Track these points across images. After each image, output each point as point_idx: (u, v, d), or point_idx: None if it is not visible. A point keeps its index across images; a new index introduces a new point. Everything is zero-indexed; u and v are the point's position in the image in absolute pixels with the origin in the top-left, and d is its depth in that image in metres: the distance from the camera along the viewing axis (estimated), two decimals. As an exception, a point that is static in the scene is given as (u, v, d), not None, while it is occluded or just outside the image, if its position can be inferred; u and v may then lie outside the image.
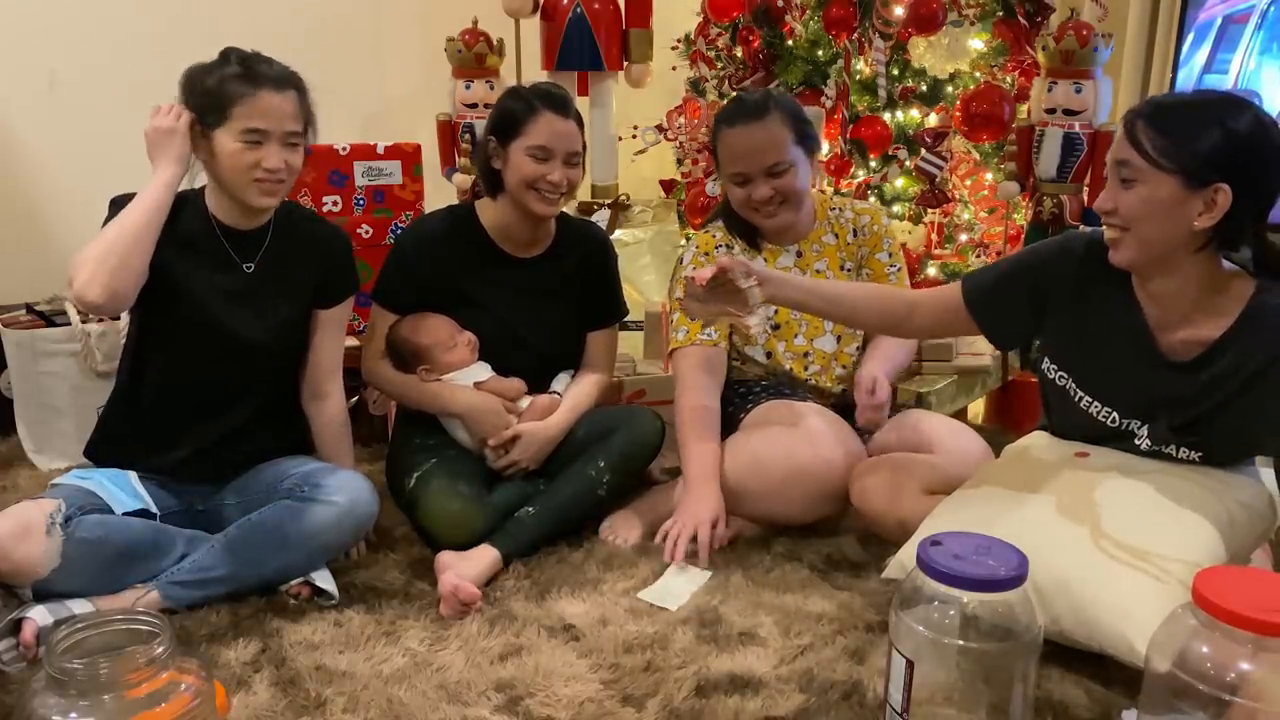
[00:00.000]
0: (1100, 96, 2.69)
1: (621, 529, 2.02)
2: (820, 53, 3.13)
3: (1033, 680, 1.27)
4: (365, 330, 2.14)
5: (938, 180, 2.99)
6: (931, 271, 3.12)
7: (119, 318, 2.34)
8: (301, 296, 1.91)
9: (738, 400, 2.14)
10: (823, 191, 2.91)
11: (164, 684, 1.15)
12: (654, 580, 1.83)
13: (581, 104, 2.25)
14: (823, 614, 1.72)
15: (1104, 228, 1.54)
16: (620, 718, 1.44)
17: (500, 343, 2.08)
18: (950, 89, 3.09)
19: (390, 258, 2.11)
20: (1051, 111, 2.71)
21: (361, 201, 2.65)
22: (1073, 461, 1.66)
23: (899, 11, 2.93)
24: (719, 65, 3.37)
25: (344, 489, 1.77)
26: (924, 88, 3.10)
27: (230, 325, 1.80)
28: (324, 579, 1.76)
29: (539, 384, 2.13)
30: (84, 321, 2.44)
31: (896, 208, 3.10)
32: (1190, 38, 3.03)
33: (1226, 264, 1.53)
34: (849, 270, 2.21)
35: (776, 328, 2.17)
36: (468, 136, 2.98)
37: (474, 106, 2.98)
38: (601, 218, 3.02)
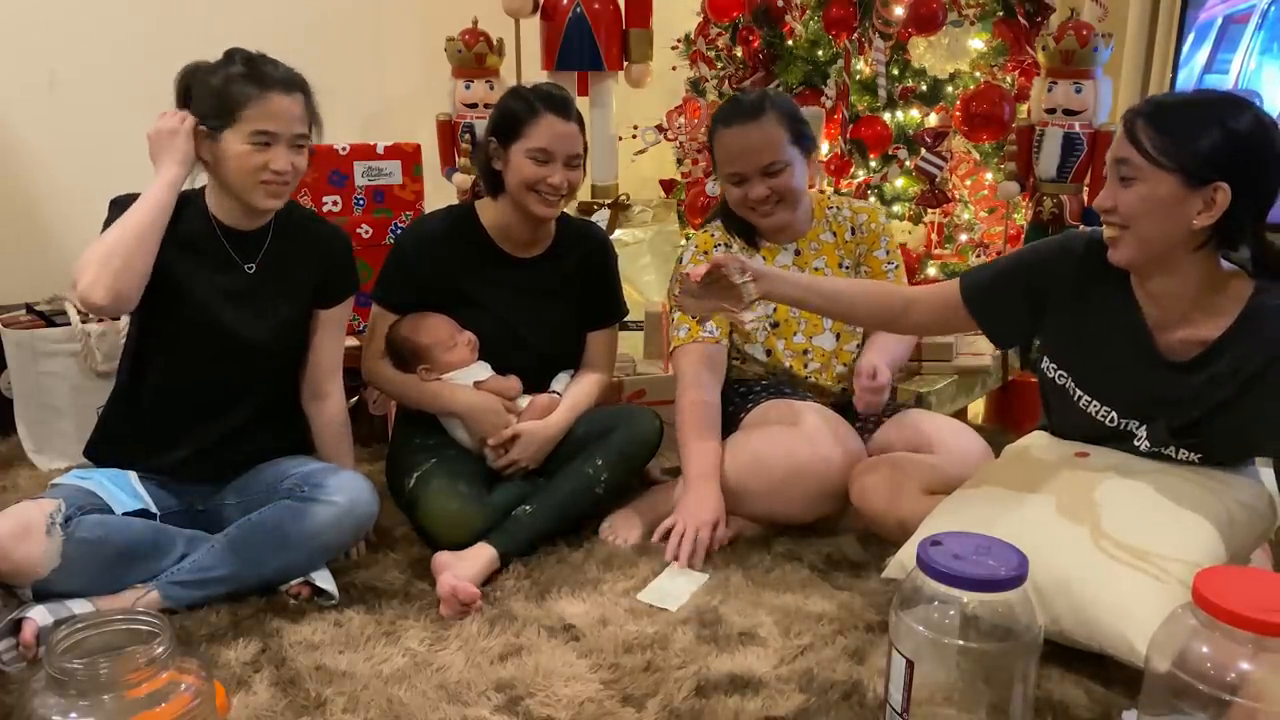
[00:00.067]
0: (1100, 96, 2.69)
1: (621, 529, 2.02)
2: (820, 53, 3.13)
3: (1033, 680, 1.27)
4: (365, 330, 2.14)
5: (938, 180, 2.99)
6: (931, 271, 3.12)
7: (119, 318, 2.34)
8: (302, 296, 1.91)
9: (738, 399, 2.14)
10: (822, 191, 2.92)
11: (164, 684, 1.15)
12: (653, 580, 1.83)
13: (581, 104, 2.25)
14: (823, 614, 1.72)
15: (1103, 226, 1.54)
16: (620, 718, 1.44)
17: (500, 342, 2.08)
18: (950, 89, 3.09)
19: (390, 258, 2.11)
20: (1051, 111, 2.72)
21: (361, 201, 2.65)
22: (1073, 461, 1.66)
23: (899, 11, 2.93)
24: (719, 65, 3.37)
25: (344, 489, 1.77)
26: (924, 88, 3.10)
27: (231, 326, 1.80)
28: (324, 579, 1.76)
29: (539, 384, 2.13)
30: (84, 321, 2.44)
31: (896, 208, 3.10)
32: (1191, 38, 3.03)
33: (1225, 264, 1.53)
34: (847, 268, 2.22)
35: (776, 325, 2.17)
36: (468, 136, 2.98)
37: (474, 106, 2.98)
38: (601, 218, 3.02)
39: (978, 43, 3.13)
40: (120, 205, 1.75)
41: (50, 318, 2.51)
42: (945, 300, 1.75)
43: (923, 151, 2.98)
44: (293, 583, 1.76)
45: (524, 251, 2.12)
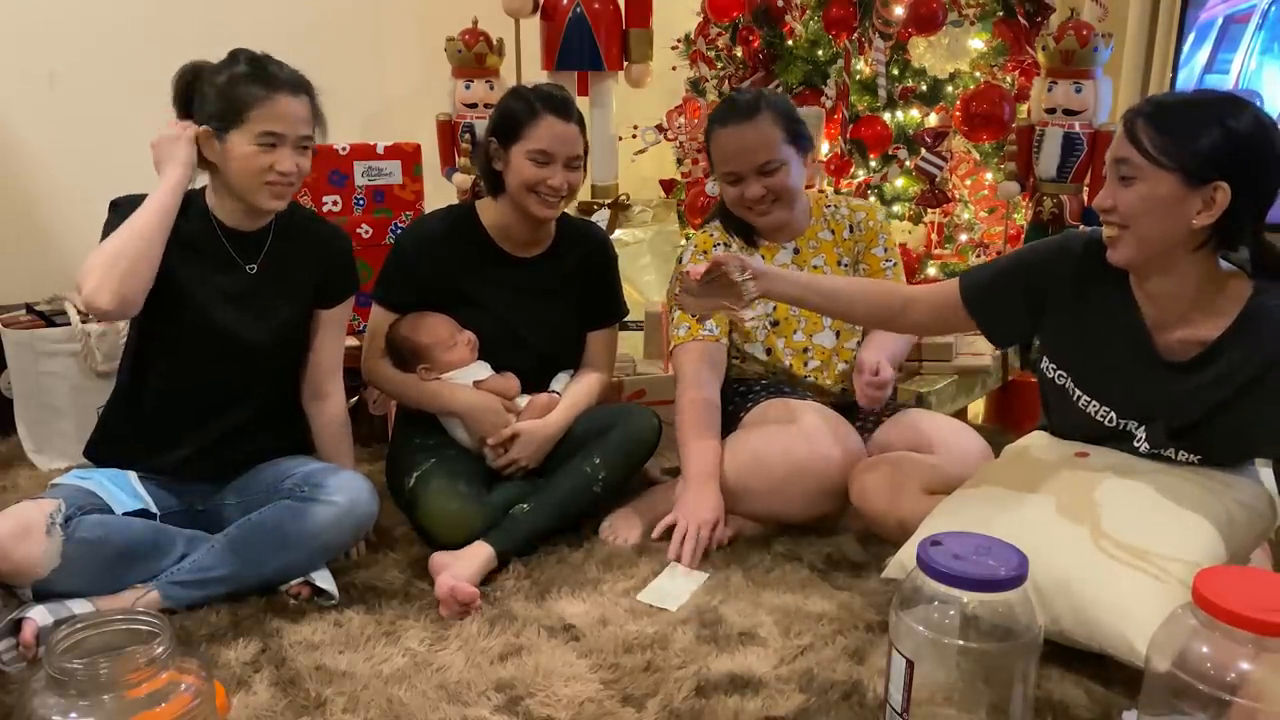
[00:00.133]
0: (1100, 96, 2.69)
1: (621, 529, 2.02)
2: (820, 53, 3.13)
3: (1033, 680, 1.27)
4: (365, 330, 2.14)
5: (938, 180, 2.99)
6: (931, 271, 3.13)
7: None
8: (302, 297, 1.91)
9: (737, 399, 2.15)
10: (822, 191, 2.92)
11: (164, 684, 1.15)
12: (653, 580, 1.83)
13: (581, 104, 2.25)
14: (823, 614, 1.72)
15: (1103, 226, 1.54)
16: (620, 718, 1.44)
17: (500, 342, 2.08)
18: (950, 89, 3.09)
19: (390, 257, 2.11)
20: (1051, 111, 2.72)
21: (361, 201, 2.65)
22: (1072, 461, 1.66)
23: (899, 11, 2.94)
24: (719, 65, 3.38)
25: (344, 489, 1.77)
26: (924, 88, 3.10)
27: (232, 326, 1.80)
28: (324, 579, 1.76)
29: (539, 384, 2.13)
30: (84, 321, 2.44)
31: (896, 208, 3.10)
32: (1191, 38, 3.03)
33: (1224, 264, 1.53)
34: (846, 266, 2.22)
35: (776, 324, 2.18)
36: (468, 136, 2.98)
37: (474, 106, 2.99)
38: (601, 218, 3.02)
39: (978, 43, 3.14)
40: (120, 207, 1.75)
41: (50, 318, 2.51)
42: (944, 300, 1.75)
43: (923, 151, 2.98)
44: (293, 583, 1.76)
45: (524, 251, 2.12)
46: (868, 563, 1.91)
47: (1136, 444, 1.63)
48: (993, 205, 3.25)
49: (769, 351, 2.18)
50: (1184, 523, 1.50)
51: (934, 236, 3.33)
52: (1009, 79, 3.07)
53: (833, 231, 2.23)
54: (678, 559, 1.87)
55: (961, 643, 1.22)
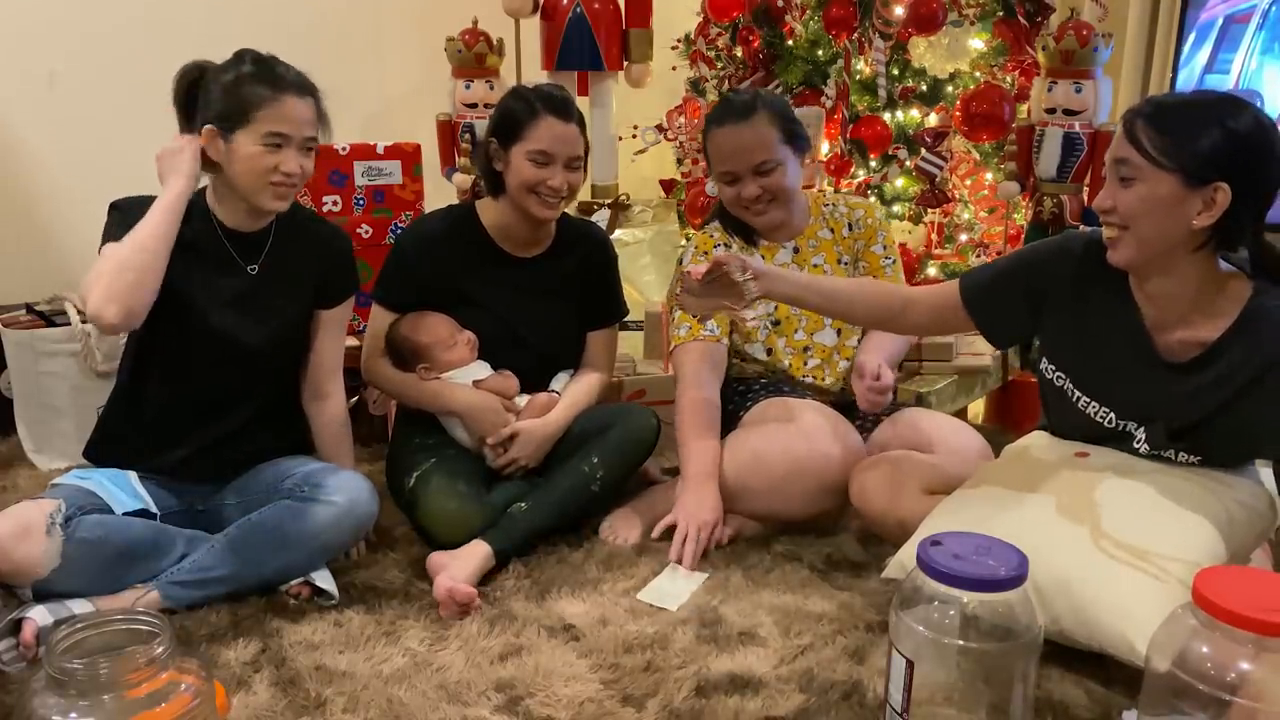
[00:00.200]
0: (1100, 96, 2.69)
1: (621, 529, 2.02)
2: (820, 53, 3.13)
3: (1033, 680, 1.27)
4: (365, 330, 2.14)
5: (938, 180, 2.99)
6: (931, 271, 3.13)
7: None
8: (303, 297, 1.91)
9: (737, 398, 2.15)
10: (822, 191, 2.92)
11: (164, 684, 1.15)
12: (653, 580, 1.83)
13: (581, 104, 2.25)
14: (823, 614, 1.72)
15: (1103, 227, 1.54)
16: (620, 718, 1.44)
17: (500, 342, 2.08)
18: (950, 89, 3.09)
19: (390, 257, 2.11)
20: (1051, 111, 2.72)
21: (361, 201, 2.65)
22: (1072, 461, 1.66)
23: (899, 11, 2.94)
24: (719, 65, 3.38)
25: (344, 489, 1.77)
26: (924, 88, 3.10)
27: (233, 328, 1.80)
28: (324, 579, 1.76)
29: (539, 383, 2.13)
30: (84, 321, 2.44)
31: (896, 208, 3.10)
32: (1192, 38, 3.03)
33: (1224, 265, 1.53)
34: (846, 264, 2.22)
35: (777, 324, 2.18)
36: (468, 136, 2.98)
37: (474, 106, 2.98)
38: (601, 218, 3.02)
39: (978, 43, 3.14)
40: (120, 209, 1.74)
41: (50, 318, 2.51)
42: (944, 300, 1.75)
43: (923, 151, 2.98)
44: (293, 583, 1.76)
45: (524, 251, 2.12)
46: (868, 563, 1.91)
47: (1136, 445, 1.63)
48: (993, 205, 3.25)
49: (769, 351, 2.18)
50: (1184, 523, 1.50)
51: (934, 236, 3.33)
52: (1009, 79, 3.07)
53: (832, 230, 2.23)
54: (678, 560, 1.87)
55: (961, 643, 1.22)
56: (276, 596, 1.76)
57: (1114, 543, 1.48)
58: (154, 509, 1.79)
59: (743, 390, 2.17)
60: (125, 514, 1.72)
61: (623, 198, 3.13)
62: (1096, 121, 2.71)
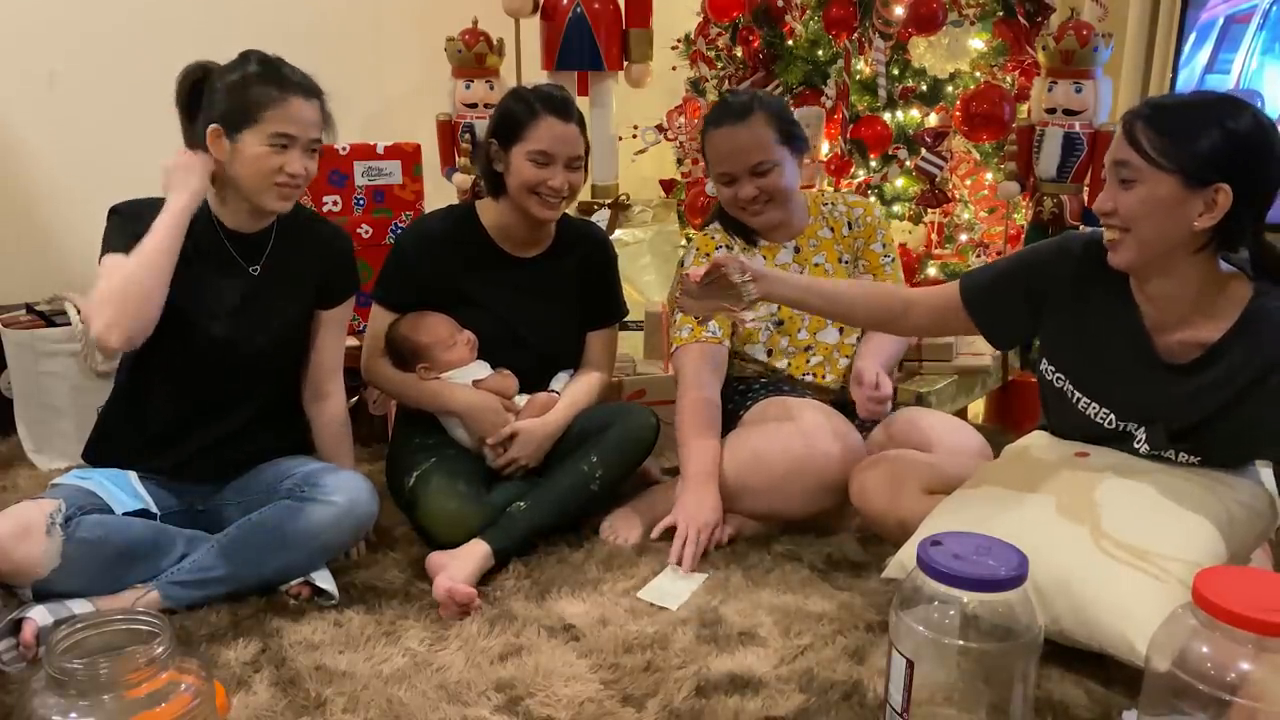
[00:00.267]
0: (1100, 96, 2.69)
1: (622, 528, 2.02)
2: (820, 53, 3.13)
3: (1033, 680, 1.27)
4: (365, 330, 2.14)
5: (938, 180, 2.99)
6: (931, 271, 3.12)
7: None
8: (304, 297, 1.91)
9: (737, 398, 2.15)
10: (821, 190, 2.92)
11: (164, 684, 1.15)
12: (653, 580, 1.83)
13: (581, 104, 2.25)
14: (823, 614, 1.72)
15: (1103, 229, 1.54)
16: (620, 718, 1.44)
17: (500, 342, 2.08)
18: (950, 89, 3.09)
19: (390, 257, 2.11)
20: (1051, 111, 2.72)
21: (361, 201, 2.65)
22: (1073, 461, 1.66)
23: (899, 11, 2.94)
24: (719, 65, 3.38)
25: (344, 489, 1.77)
26: (924, 88, 3.10)
27: (235, 329, 1.80)
28: (324, 579, 1.76)
29: (539, 384, 2.13)
30: (84, 322, 2.44)
31: (896, 208, 3.10)
32: (1192, 38, 3.03)
33: (1224, 265, 1.53)
34: (846, 263, 2.23)
35: (780, 324, 2.18)
36: (468, 136, 2.98)
37: (474, 106, 2.98)
38: (601, 218, 3.02)
39: (978, 43, 3.14)
40: (121, 215, 1.74)
41: (50, 318, 2.51)
42: (945, 302, 1.75)
43: (923, 151, 2.98)
44: (293, 583, 1.76)
45: (524, 251, 2.12)
46: (868, 563, 1.91)
47: (1136, 445, 1.63)
48: (993, 205, 3.25)
49: (769, 352, 2.18)
50: (1184, 523, 1.50)
51: (934, 236, 3.33)
52: (1009, 79, 3.07)
53: (832, 229, 2.24)
54: (678, 561, 1.87)
55: (961, 643, 1.22)
56: (276, 596, 1.76)
57: (1114, 543, 1.48)
58: (154, 509, 1.78)
59: (743, 390, 2.17)
60: (125, 514, 1.72)
61: (623, 198, 3.13)
62: (1096, 121, 2.71)
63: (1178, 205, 1.44)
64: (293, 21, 3.11)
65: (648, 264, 3.03)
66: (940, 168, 2.97)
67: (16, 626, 1.55)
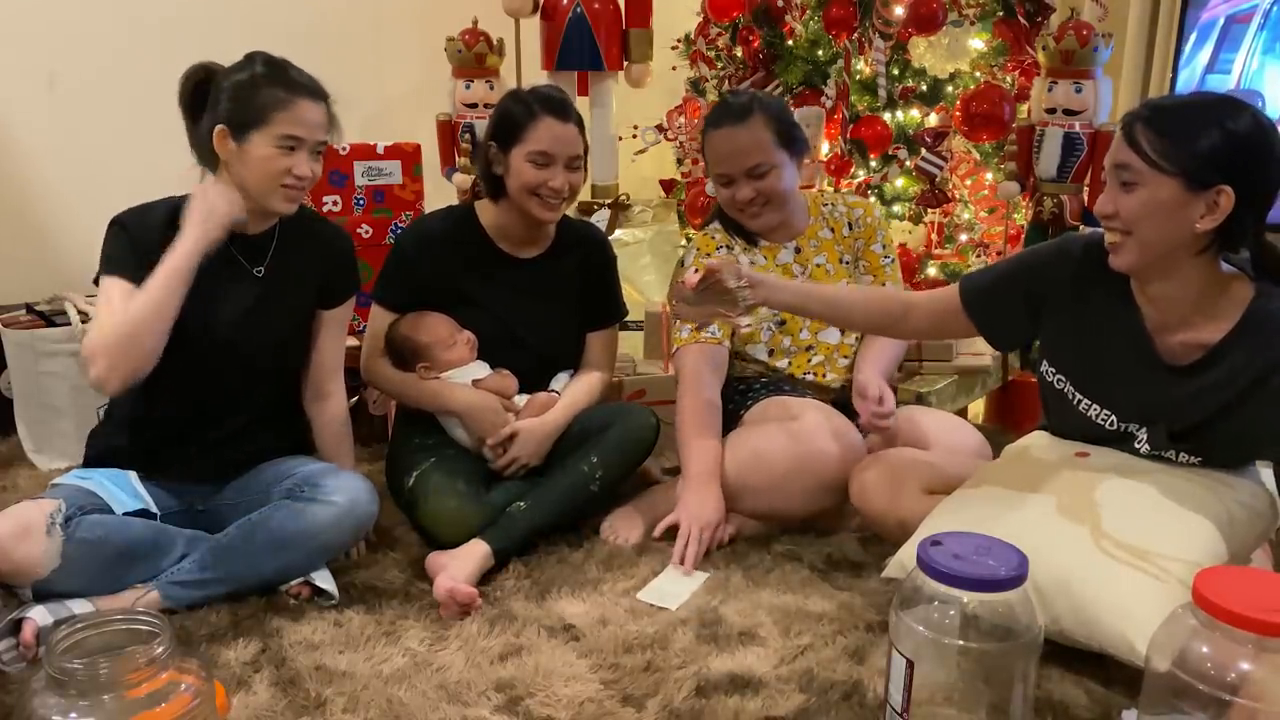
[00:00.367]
0: (1100, 96, 2.69)
1: (622, 528, 2.02)
2: (820, 53, 3.13)
3: (1033, 680, 1.27)
4: (365, 330, 2.14)
5: (938, 180, 2.99)
6: (931, 271, 3.13)
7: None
8: (307, 297, 1.91)
9: (737, 398, 2.15)
10: (821, 191, 2.92)
11: (164, 684, 1.15)
12: (653, 580, 1.83)
13: (581, 104, 2.25)
14: (823, 614, 1.72)
15: (1104, 232, 1.54)
16: (620, 718, 1.44)
17: (499, 343, 2.08)
18: (950, 89, 3.09)
19: (390, 257, 2.11)
20: (1052, 111, 2.71)
21: (361, 201, 2.65)
22: (1073, 461, 1.66)
23: (899, 11, 2.94)
24: (719, 65, 3.38)
25: (344, 489, 1.77)
26: (924, 88, 3.10)
27: (240, 331, 1.80)
28: (324, 579, 1.76)
29: (538, 384, 2.13)
30: (84, 321, 2.44)
31: (896, 208, 3.10)
32: (1193, 38, 3.03)
33: (1225, 266, 1.53)
34: (847, 263, 2.23)
35: (782, 323, 2.18)
36: (468, 136, 2.98)
37: (474, 106, 2.98)
38: (601, 218, 3.02)
39: (978, 43, 3.14)
40: (123, 227, 1.74)
41: (50, 318, 2.51)
42: (945, 304, 1.75)
43: (923, 151, 2.98)
44: (293, 583, 1.76)
45: (523, 252, 2.12)
46: (868, 563, 1.91)
47: (1137, 445, 1.63)
48: (993, 205, 3.25)
49: (770, 352, 2.19)
50: (1185, 523, 1.50)
51: (934, 236, 3.33)
52: (1009, 79, 3.07)
53: (832, 229, 2.24)
54: (680, 560, 1.87)
55: (961, 643, 1.22)
56: (276, 596, 1.76)
57: (1114, 543, 1.48)
58: (154, 509, 1.78)
59: (743, 389, 2.17)
60: (125, 514, 1.72)
61: (623, 198, 3.14)
62: (1097, 121, 2.71)
63: (1179, 208, 1.44)
64: (293, 22, 3.11)
65: (648, 264, 3.03)
66: (940, 168, 2.97)
67: (16, 626, 1.55)
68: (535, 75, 3.02)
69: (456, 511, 1.90)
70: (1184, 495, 1.53)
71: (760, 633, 1.66)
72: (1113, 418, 1.64)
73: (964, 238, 3.27)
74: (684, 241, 3.04)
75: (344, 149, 2.59)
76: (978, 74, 3.10)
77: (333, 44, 3.26)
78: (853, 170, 3.06)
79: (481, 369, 2.07)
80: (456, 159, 3.04)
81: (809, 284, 1.99)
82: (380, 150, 2.64)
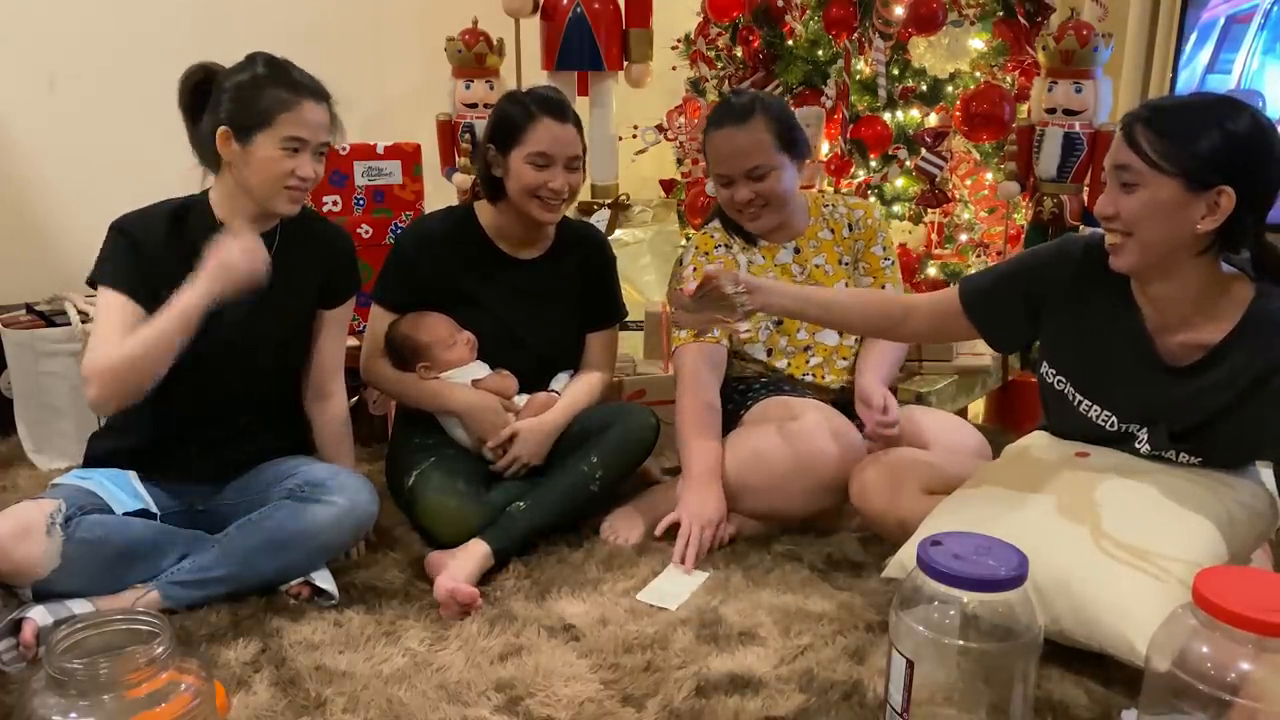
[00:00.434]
0: (1100, 96, 2.69)
1: (622, 528, 2.02)
2: (820, 53, 3.13)
3: (1033, 680, 1.27)
4: (365, 330, 2.14)
5: (938, 180, 2.99)
6: (931, 272, 3.12)
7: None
8: (308, 297, 1.91)
9: (737, 398, 2.15)
10: (821, 191, 2.92)
11: (164, 684, 1.15)
12: (653, 580, 1.83)
13: (581, 104, 2.26)
14: (823, 614, 1.72)
15: (1105, 233, 1.53)
16: (620, 718, 1.44)
17: (499, 343, 2.08)
18: (950, 89, 3.09)
19: (390, 258, 2.11)
20: (1051, 111, 2.71)
21: (361, 201, 2.65)
22: (1073, 461, 1.66)
23: (899, 11, 2.93)
24: (719, 65, 3.38)
25: (344, 489, 1.77)
26: (924, 88, 3.10)
27: (242, 331, 1.79)
28: (324, 579, 1.76)
29: (538, 385, 2.13)
30: (84, 321, 2.44)
31: (896, 208, 3.10)
32: (1193, 38, 3.03)
33: (1226, 266, 1.53)
34: (847, 264, 2.23)
35: (779, 323, 2.18)
36: (468, 136, 2.98)
37: (474, 106, 2.98)
38: (601, 218, 3.02)
39: (978, 43, 3.14)
40: (122, 232, 1.73)
41: (50, 318, 2.51)
42: (944, 307, 1.75)
43: (923, 151, 2.98)
44: (293, 583, 1.76)
45: (523, 252, 2.12)
46: (868, 563, 1.91)
47: (1138, 446, 1.63)
48: (993, 205, 3.25)
49: (769, 352, 2.19)
50: (1185, 523, 1.50)
51: (934, 236, 3.33)
52: (1009, 79, 3.06)
53: (832, 230, 2.24)
54: (681, 559, 1.87)
55: (961, 643, 1.22)
56: (276, 596, 1.76)
57: (1114, 543, 1.48)
58: (154, 509, 1.78)
59: (743, 389, 2.17)
60: (125, 514, 1.72)
61: (623, 198, 3.14)
62: (1097, 121, 2.71)
63: (1180, 208, 1.43)
64: (293, 22, 3.11)
65: (648, 264, 3.03)
66: (940, 168, 2.97)
67: (16, 626, 1.55)
68: (535, 75, 3.02)
69: (456, 511, 1.90)
70: (1184, 495, 1.53)
71: (760, 633, 1.66)
72: (1113, 418, 1.64)
73: (964, 238, 3.27)
74: (684, 241, 3.04)
75: (344, 149, 2.58)
76: (978, 74, 3.10)
77: (333, 44, 3.26)
78: (853, 170, 3.06)
79: (481, 369, 2.07)
80: (456, 159, 3.04)
81: (808, 288, 1.99)
82: (380, 150, 2.64)
